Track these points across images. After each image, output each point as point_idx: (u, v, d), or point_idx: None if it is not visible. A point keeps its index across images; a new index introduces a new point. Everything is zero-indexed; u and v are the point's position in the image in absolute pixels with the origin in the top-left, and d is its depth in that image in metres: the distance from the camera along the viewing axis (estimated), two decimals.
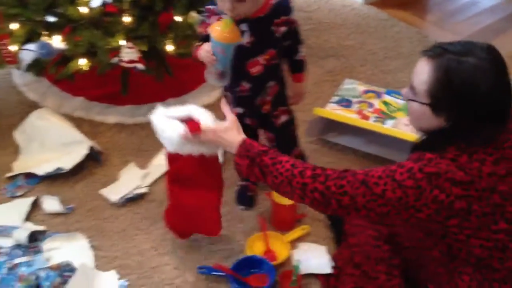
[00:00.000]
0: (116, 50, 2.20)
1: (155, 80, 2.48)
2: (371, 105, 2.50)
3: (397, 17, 3.31)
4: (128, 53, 2.16)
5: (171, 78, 2.54)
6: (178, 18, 2.19)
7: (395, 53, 3.03)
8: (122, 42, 2.19)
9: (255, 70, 1.87)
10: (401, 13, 3.36)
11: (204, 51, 1.78)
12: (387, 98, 2.54)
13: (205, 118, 1.73)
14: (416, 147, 1.53)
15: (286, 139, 2.09)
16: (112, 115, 2.60)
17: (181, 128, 1.71)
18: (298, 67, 1.99)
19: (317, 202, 1.52)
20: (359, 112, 2.44)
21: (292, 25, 1.85)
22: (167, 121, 1.75)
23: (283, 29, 1.83)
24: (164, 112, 1.80)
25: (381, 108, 2.48)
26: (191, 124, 1.70)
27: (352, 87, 2.62)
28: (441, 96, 1.43)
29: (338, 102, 2.51)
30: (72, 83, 2.53)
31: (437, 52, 1.43)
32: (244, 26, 1.78)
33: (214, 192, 1.90)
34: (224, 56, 1.76)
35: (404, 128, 2.37)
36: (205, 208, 1.92)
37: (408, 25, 3.24)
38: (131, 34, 2.18)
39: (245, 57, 1.85)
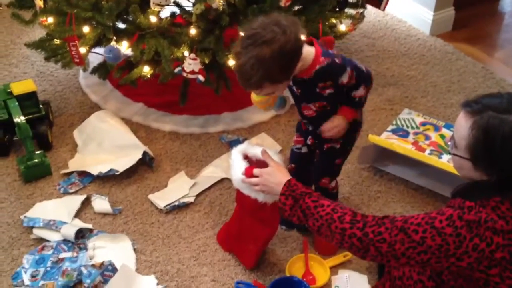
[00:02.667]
0: (180, 61, 2.24)
1: (212, 93, 2.52)
2: (428, 137, 2.44)
3: (464, 51, 3.24)
4: (191, 64, 2.20)
5: (228, 92, 2.57)
6: (242, 34, 2.20)
7: (458, 87, 2.96)
8: (186, 53, 2.24)
9: (308, 113, 1.89)
10: (469, 47, 3.28)
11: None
12: (445, 131, 2.48)
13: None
14: (457, 193, 1.50)
15: (324, 163, 2.05)
16: (168, 123, 2.65)
17: (241, 171, 1.78)
18: (349, 102, 1.87)
19: (356, 248, 1.51)
20: (415, 144, 2.39)
21: (340, 87, 1.79)
22: (238, 158, 1.82)
23: (328, 91, 1.80)
24: (244, 149, 1.86)
25: (438, 141, 2.42)
26: (248, 169, 1.76)
27: (410, 117, 2.57)
28: (480, 154, 1.40)
29: (394, 131, 2.47)
30: (133, 89, 2.60)
31: (477, 108, 1.39)
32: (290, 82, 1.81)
33: (265, 231, 1.96)
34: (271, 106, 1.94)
35: None
36: (250, 240, 1.99)
37: (475, 60, 3.16)
38: (196, 46, 2.22)
39: (297, 101, 1.90)
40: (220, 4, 2.14)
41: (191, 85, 2.49)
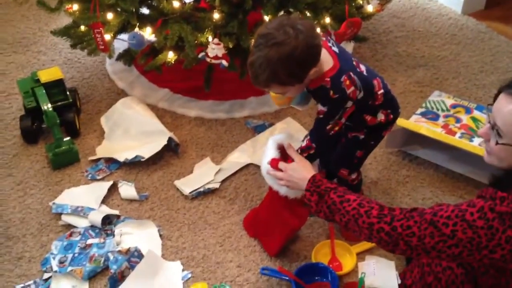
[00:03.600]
0: (204, 46, 2.22)
1: (237, 78, 2.49)
2: (458, 120, 2.38)
3: (497, 30, 3.13)
4: (214, 49, 2.18)
5: None
6: (267, 18, 2.17)
7: (491, 68, 2.87)
8: (210, 38, 2.22)
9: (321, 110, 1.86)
10: (502, 26, 3.17)
11: None
12: (477, 114, 2.41)
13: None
14: (490, 183, 1.44)
15: (344, 152, 2.01)
16: (193, 109, 2.64)
17: (268, 161, 1.77)
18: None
19: (385, 242, 1.48)
20: (445, 127, 2.33)
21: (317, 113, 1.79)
22: (272, 148, 1.81)
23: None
24: (281, 139, 1.84)
25: (469, 124, 2.36)
26: (274, 160, 1.75)
27: (441, 99, 2.50)
28: None
29: (423, 114, 2.41)
30: (159, 75, 2.60)
31: None
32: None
33: (293, 221, 1.94)
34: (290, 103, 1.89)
35: None
36: (276, 228, 1.97)
37: (508, 40, 3.05)
38: (219, 31, 2.19)
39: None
40: None
41: (216, 70, 2.46)
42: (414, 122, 2.34)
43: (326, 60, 1.71)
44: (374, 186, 2.26)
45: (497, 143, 1.41)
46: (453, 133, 2.30)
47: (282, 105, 1.93)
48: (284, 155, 1.78)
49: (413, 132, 2.33)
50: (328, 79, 1.70)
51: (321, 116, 1.77)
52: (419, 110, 2.44)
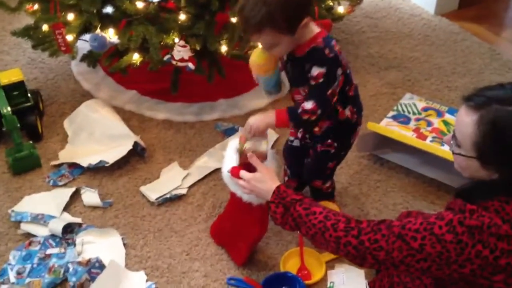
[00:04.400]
0: (169, 48, 2.15)
1: (206, 80, 2.44)
2: (430, 123, 2.35)
3: (469, 30, 3.11)
4: (180, 51, 2.11)
5: (223, 79, 2.49)
6: (234, 20, 2.11)
7: (464, 69, 2.85)
8: (176, 40, 2.15)
9: (298, 99, 1.78)
10: (475, 26, 3.16)
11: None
12: (449, 117, 2.38)
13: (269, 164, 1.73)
14: (459, 194, 1.41)
15: (315, 166, 1.96)
16: (161, 111, 2.57)
17: (228, 167, 1.71)
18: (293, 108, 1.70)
19: (352, 256, 1.44)
20: (416, 131, 2.30)
21: (311, 80, 1.66)
22: (232, 151, 1.76)
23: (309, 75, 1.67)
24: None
25: (441, 128, 2.33)
26: (234, 168, 1.69)
27: (412, 102, 2.47)
28: (490, 150, 1.29)
29: (395, 118, 2.37)
30: (126, 76, 2.52)
31: (480, 102, 1.28)
32: (286, 57, 1.73)
33: (255, 230, 1.88)
34: (262, 82, 1.79)
35: None
36: (241, 237, 1.92)
37: (481, 41, 3.04)
38: (186, 32, 2.13)
39: (291, 83, 1.80)
40: None
41: (185, 72, 2.39)
42: (385, 126, 2.30)
43: (313, 27, 1.66)
44: (345, 191, 2.22)
45: (453, 152, 1.39)
46: (424, 137, 2.27)
47: (260, 74, 1.75)
48: (245, 159, 1.72)
49: (384, 136, 2.29)
50: (321, 39, 1.65)
51: (321, 80, 1.63)
52: (391, 113, 2.40)
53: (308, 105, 1.65)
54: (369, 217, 2.12)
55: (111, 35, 2.13)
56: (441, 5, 3.24)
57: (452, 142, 1.39)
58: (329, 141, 1.85)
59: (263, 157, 1.70)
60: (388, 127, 2.30)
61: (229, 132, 2.47)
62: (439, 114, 2.40)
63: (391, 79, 2.78)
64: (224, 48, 2.26)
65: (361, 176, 2.30)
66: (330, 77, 1.64)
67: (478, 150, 1.31)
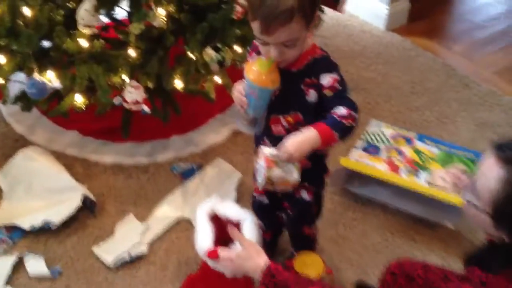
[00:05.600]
0: (119, 89, 1.90)
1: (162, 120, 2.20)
2: (401, 152, 2.23)
3: (421, 46, 3.04)
4: (132, 93, 1.87)
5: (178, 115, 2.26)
6: (191, 54, 1.89)
7: (422, 88, 2.76)
8: (126, 79, 1.90)
9: (276, 130, 1.55)
10: (426, 41, 3.09)
11: (236, 90, 1.48)
12: (419, 145, 2.27)
13: (248, 231, 1.50)
14: (470, 261, 1.27)
15: (300, 216, 1.76)
16: (109, 154, 2.31)
17: (205, 246, 1.49)
18: (327, 119, 1.42)
19: None
20: (389, 162, 2.17)
21: (320, 92, 1.45)
22: (204, 221, 1.52)
23: (313, 93, 1.46)
24: (211, 207, 1.52)
25: (413, 157, 2.21)
26: (212, 252, 1.47)
27: (379, 130, 2.34)
28: (508, 215, 1.15)
29: (365, 149, 2.23)
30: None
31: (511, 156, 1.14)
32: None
33: None
34: (257, 101, 1.45)
35: (440, 182, 2.10)
36: None
37: (435, 56, 2.97)
38: (137, 71, 1.89)
39: (270, 109, 1.52)
40: (163, 21, 1.81)
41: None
42: (357, 160, 2.15)
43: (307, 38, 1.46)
44: (321, 234, 2.04)
45: (466, 200, 1.25)
46: (397, 168, 2.15)
47: (262, 85, 1.43)
48: (219, 226, 1.51)
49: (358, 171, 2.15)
50: (319, 49, 1.47)
51: (339, 87, 1.43)
52: (359, 143, 2.26)
53: (342, 110, 1.40)
54: (350, 262, 1.97)
55: (51, 78, 1.85)
56: (390, 20, 3.16)
57: (470, 186, 1.24)
58: (309, 185, 1.66)
59: (291, 187, 1.47)
60: (360, 160, 2.16)
61: (188, 174, 2.24)
62: (409, 141, 2.29)
63: None
64: (179, 84, 2.04)
65: (335, 215, 2.14)
66: (345, 84, 1.46)
67: (495, 209, 1.17)
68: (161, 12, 1.81)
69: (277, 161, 1.41)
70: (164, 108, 2.07)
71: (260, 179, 1.43)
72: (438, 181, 2.11)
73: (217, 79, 2.13)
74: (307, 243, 1.84)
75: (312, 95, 1.47)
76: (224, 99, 2.24)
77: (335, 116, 1.40)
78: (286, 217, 1.77)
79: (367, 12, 3.19)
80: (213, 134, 2.42)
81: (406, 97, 2.72)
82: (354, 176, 2.20)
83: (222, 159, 2.31)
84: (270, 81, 1.43)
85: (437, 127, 2.53)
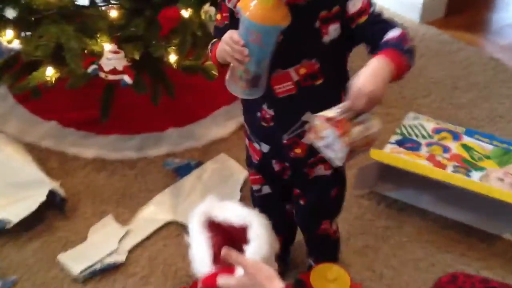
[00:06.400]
0: (95, 56, 1.53)
1: (150, 103, 1.83)
2: (446, 149, 1.81)
3: (463, 40, 2.64)
4: (111, 59, 1.50)
5: (173, 101, 1.89)
6: (186, 13, 1.51)
7: (467, 84, 2.35)
8: (105, 45, 1.53)
9: (282, 90, 1.17)
10: (468, 35, 2.69)
11: (229, 41, 1.06)
12: (468, 140, 1.85)
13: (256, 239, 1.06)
14: None
15: (316, 201, 1.35)
16: (91, 147, 1.94)
17: (204, 267, 1.05)
18: (387, 44, 1.06)
19: None
20: (431, 158, 1.76)
21: (348, 24, 1.10)
22: (198, 229, 1.09)
23: (333, 30, 1.10)
24: (207, 211, 1.11)
25: (461, 154, 1.79)
26: (207, 279, 1.02)
27: (418, 123, 1.93)
28: None
29: (400, 143, 1.82)
30: (44, 103, 1.93)
31: None
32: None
33: None
34: (261, 48, 1.05)
35: (497, 184, 1.67)
36: None
37: (479, 49, 2.57)
38: (118, 34, 1.52)
39: (276, 62, 1.11)
40: None
41: (120, 91, 1.78)
42: (393, 154, 1.74)
43: None
44: (346, 245, 1.62)
45: None
46: (443, 167, 1.73)
47: (267, 23, 1.04)
48: (218, 234, 1.10)
49: (389, 167, 1.73)
50: None
51: (372, 8, 1.10)
52: (394, 138, 1.84)
53: (395, 32, 1.06)
54: (384, 281, 1.53)
55: (9, 39, 1.49)
56: (426, 12, 2.77)
57: None
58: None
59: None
60: (397, 155, 1.74)
61: (183, 171, 1.85)
62: (456, 136, 1.87)
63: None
64: (172, 57, 1.66)
65: (364, 223, 1.72)
66: (375, 5, 1.12)
67: None
68: None
69: (351, 118, 1.02)
70: (154, 85, 1.69)
71: (339, 153, 1.03)
72: (494, 182, 1.69)
73: None
74: (327, 247, 1.43)
75: (332, 32, 1.10)
76: None
77: (393, 39, 1.05)
78: (298, 210, 1.36)
79: (399, 4, 2.81)
80: (216, 127, 2.03)
81: (448, 92, 2.31)
82: (387, 176, 1.79)
83: (226, 155, 1.91)
84: (280, 15, 1.04)
85: (489, 126, 2.11)
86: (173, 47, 1.65)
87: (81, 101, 2.02)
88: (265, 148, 1.28)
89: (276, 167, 1.31)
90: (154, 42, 1.54)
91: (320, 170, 1.28)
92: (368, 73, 1.00)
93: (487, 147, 1.82)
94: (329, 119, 1.03)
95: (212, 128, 2.03)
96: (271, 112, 1.20)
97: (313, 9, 1.09)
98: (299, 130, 1.20)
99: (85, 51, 1.55)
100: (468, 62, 2.49)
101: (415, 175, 1.69)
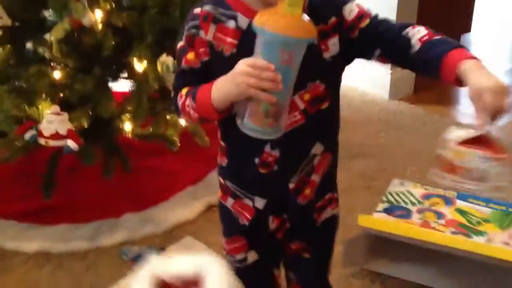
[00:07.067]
0: (33, 120, 1.33)
1: (105, 183, 1.61)
2: (440, 215, 1.61)
3: (436, 112, 2.56)
4: (53, 122, 1.29)
5: (129, 182, 1.67)
6: (140, 66, 1.34)
7: None
8: (46, 111, 1.33)
9: (289, 122, 0.97)
10: (440, 108, 2.62)
11: (251, 70, 0.85)
12: (463, 204, 1.66)
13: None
14: None
15: (328, 253, 1.19)
16: (33, 240, 1.68)
17: None
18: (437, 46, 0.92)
19: None
20: (426, 225, 1.56)
21: (346, 34, 0.97)
22: None
23: (333, 44, 0.96)
24: (156, 269, 0.88)
25: (457, 219, 1.59)
26: None
27: (405, 189, 1.74)
28: None
29: (389, 212, 1.61)
30: None
31: None
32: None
33: None
34: (291, 69, 0.87)
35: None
36: None
37: (453, 120, 2.48)
38: (61, 93, 1.33)
39: None
40: (97, 20, 1.29)
41: (66, 167, 1.56)
42: (384, 219, 1.53)
43: None
44: None
45: None
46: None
47: (306, 34, 0.87)
48: None
49: (379, 238, 1.51)
50: None
51: (370, 12, 0.99)
52: (381, 207, 1.64)
53: (423, 30, 0.94)
54: None
55: None
56: (394, 90, 2.70)
57: None
58: (330, 194, 1.11)
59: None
60: (386, 220, 1.53)
61: (141, 259, 1.58)
62: (448, 201, 1.68)
63: (361, 169, 2.09)
64: (127, 126, 1.47)
65: None
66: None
67: None
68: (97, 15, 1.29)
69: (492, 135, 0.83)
70: (107, 159, 1.47)
71: (497, 182, 0.83)
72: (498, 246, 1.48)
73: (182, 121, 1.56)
74: None
75: (333, 47, 0.96)
76: (196, 166, 1.84)
77: (440, 37, 0.93)
78: (301, 268, 1.15)
79: (368, 82, 2.74)
80: (181, 209, 1.81)
81: (431, 162, 2.13)
82: (380, 249, 1.57)
83: (193, 238, 1.67)
84: (308, 25, 0.87)
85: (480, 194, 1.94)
86: (128, 114, 1.46)
87: (23, 189, 1.78)
88: (260, 203, 1.06)
89: (273, 224, 1.09)
90: (103, 101, 1.33)
91: (329, 211, 1.12)
92: (480, 73, 0.85)
93: (484, 210, 1.63)
94: (473, 142, 0.84)
95: (176, 211, 1.80)
96: (275, 153, 1.00)
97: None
98: (309, 166, 1.03)
99: (22, 115, 1.34)
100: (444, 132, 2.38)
101: (411, 245, 1.48)
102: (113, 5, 1.31)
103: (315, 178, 1.05)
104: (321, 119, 1.00)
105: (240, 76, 0.86)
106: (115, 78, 1.41)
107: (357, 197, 1.92)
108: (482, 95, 0.82)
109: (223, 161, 1.06)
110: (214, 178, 1.92)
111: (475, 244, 1.43)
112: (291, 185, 1.04)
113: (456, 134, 0.89)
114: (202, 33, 0.95)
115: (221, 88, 0.90)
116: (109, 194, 1.70)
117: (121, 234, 1.70)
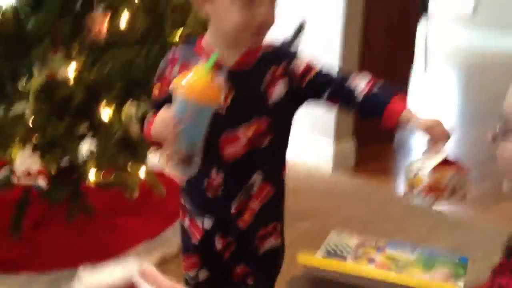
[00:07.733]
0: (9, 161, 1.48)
1: (65, 231, 1.74)
2: (372, 260, 1.79)
3: (376, 183, 2.81)
4: (25, 161, 1.45)
5: (90, 231, 1.80)
6: (105, 117, 1.53)
7: (385, 215, 2.45)
8: (20, 151, 1.50)
9: (231, 151, 1.15)
10: (380, 178, 2.87)
11: (164, 118, 1.06)
12: (391, 251, 1.85)
13: None
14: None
15: (265, 280, 1.31)
16: None
17: None
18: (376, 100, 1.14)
19: None
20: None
21: (295, 84, 1.16)
22: None
23: (279, 89, 1.15)
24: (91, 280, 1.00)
25: (387, 263, 1.77)
26: None
27: (341, 241, 1.92)
28: None
29: (328, 255, 1.79)
30: None
31: None
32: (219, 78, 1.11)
33: None
34: (195, 125, 1.05)
35: None
36: None
37: (392, 189, 2.72)
38: (34, 139, 1.50)
39: (217, 127, 1.11)
40: (70, 75, 1.49)
41: (34, 214, 1.68)
42: (321, 258, 1.69)
43: None
44: None
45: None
46: None
47: (205, 101, 1.04)
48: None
49: (318, 278, 1.67)
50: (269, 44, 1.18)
51: (319, 65, 1.18)
52: (321, 252, 1.81)
53: (363, 81, 1.15)
54: None
55: None
56: (337, 163, 2.95)
57: (498, 131, 0.87)
58: (273, 223, 1.24)
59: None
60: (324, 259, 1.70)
61: None
62: (379, 249, 1.86)
63: (305, 229, 2.29)
64: (92, 174, 1.63)
65: None
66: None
67: None
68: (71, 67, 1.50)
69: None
70: (73, 199, 1.62)
71: (457, 194, 1.07)
72: None
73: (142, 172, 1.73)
74: None
75: (276, 93, 1.15)
76: (155, 221, 1.95)
77: (379, 88, 1.14)
78: None
79: (311, 155, 2.98)
80: (142, 259, 1.92)
81: (369, 222, 2.39)
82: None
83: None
84: (211, 95, 1.05)
85: None
86: (92, 162, 1.62)
87: None
88: (207, 224, 1.22)
89: (219, 244, 1.24)
90: (72, 146, 1.51)
91: (271, 242, 1.25)
92: (419, 117, 1.10)
93: (410, 256, 1.82)
94: (441, 165, 1.04)
95: (138, 260, 1.91)
96: (220, 178, 1.16)
97: (260, 72, 1.14)
98: (248, 193, 1.18)
99: None
100: (383, 199, 2.62)
101: (346, 279, 1.64)
102: (88, 57, 1.50)
103: (254, 205, 1.19)
104: (262, 152, 1.16)
105: (158, 119, 1.07)
106: (83, 126, 1.58)
107: (300, 252, 2.08)
108: (434, 128, 1.07)
109: (182, 182, 1.24)
110: (169, 234, 2.07)
111: (403, 277, 1.60)
112: (232, 209, 1.19)
113: (425, 163, 1.08)
114: (167, 71, 1.16)
115: (153, 125, 1.10)
116: (69, 242, 1.80)
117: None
